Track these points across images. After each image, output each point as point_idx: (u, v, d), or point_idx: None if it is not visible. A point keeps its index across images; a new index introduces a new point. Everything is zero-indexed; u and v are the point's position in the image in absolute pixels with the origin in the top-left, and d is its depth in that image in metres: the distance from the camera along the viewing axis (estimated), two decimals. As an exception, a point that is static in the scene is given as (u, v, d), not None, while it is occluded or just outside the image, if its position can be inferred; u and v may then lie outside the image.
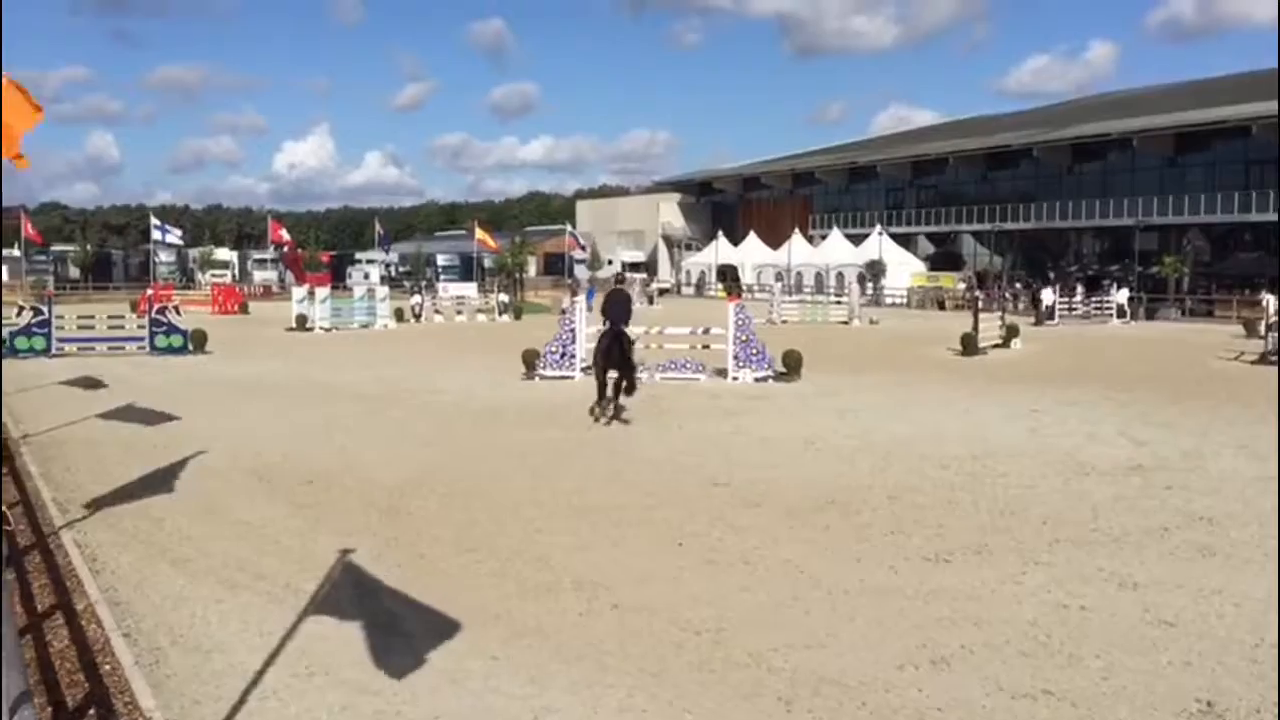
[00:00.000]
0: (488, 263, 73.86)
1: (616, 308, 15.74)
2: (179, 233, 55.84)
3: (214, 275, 70.94)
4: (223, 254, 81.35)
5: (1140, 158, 58.22)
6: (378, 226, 76.08)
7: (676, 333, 22.42)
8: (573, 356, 20.47)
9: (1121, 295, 44.50)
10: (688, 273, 78.94)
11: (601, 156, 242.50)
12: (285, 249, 76.40)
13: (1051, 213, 62.52)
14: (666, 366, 20.48)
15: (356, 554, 7.97)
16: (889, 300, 60.09)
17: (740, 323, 20.41)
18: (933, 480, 10.94)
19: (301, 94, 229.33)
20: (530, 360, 20.70)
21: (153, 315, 26.26)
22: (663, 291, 67.77)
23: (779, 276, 64.57)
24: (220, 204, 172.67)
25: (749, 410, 16.28)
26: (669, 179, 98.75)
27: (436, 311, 42.77)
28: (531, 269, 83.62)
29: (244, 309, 46.76)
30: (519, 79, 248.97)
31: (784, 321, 41.29)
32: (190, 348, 25.79)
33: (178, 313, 26.71)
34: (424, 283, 59.20)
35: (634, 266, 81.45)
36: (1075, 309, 43.95)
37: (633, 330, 16.52)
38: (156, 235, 60.99)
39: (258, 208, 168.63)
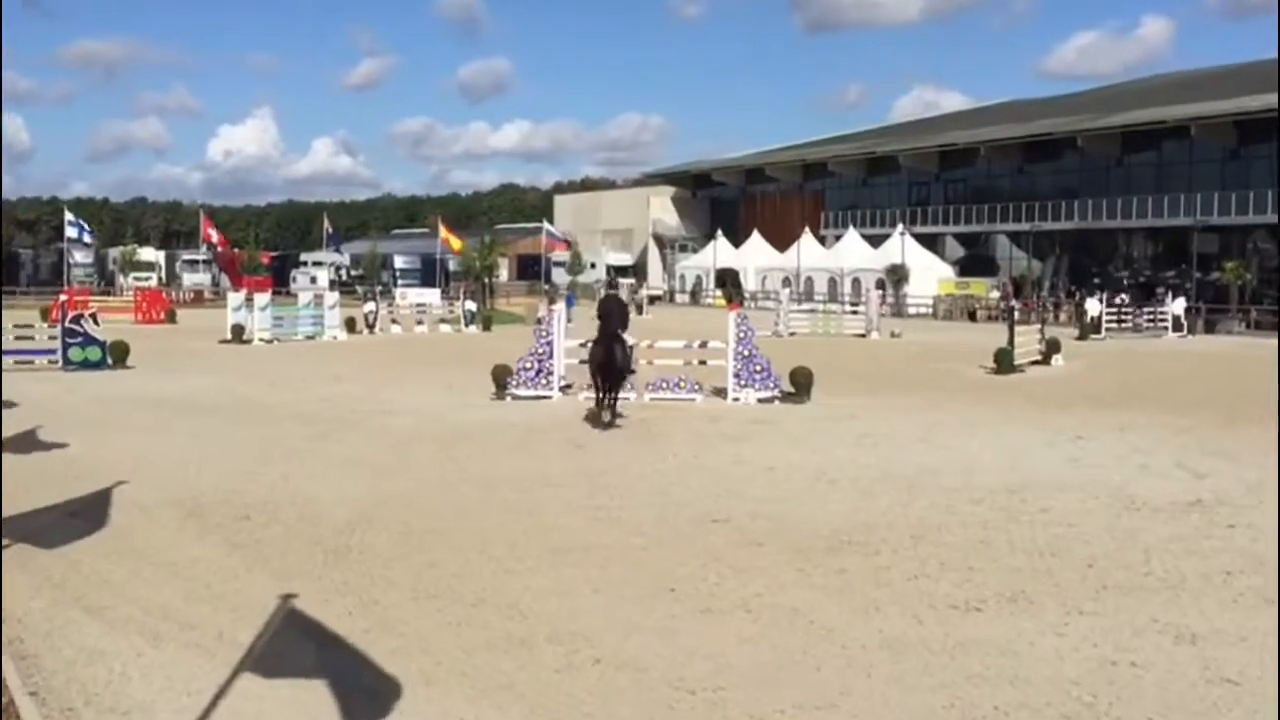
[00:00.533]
0: (453, 265, 73.87)
1: (611, 318, 17.34)
2: (91, 233, 55.93)
3: (137, 279, 70.84)
4: (148, 254, 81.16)
5: (1199, 148, 58.63)
6: (326, 223, 76.02)
7: (669, 346, 22.45)
8: (550, 374, 20.49)
9: (1178, 305, 44.76)
10: (682, 277, 79.21)
11: (584, 144, 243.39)
12: (219, 249, 76.33)
13: (1098, 211, 62.91)
14: (658, 385, 20.51)
15: (300, 600, 7.95)
16: (913, 310, 60.34)
17: (742, 335, 20.46)
18: (962, 517, 10.97)
19: (242, 72, 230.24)
20: (501, 377, 20.71)
21: (67, 324, 26.18)
22: (653, 299, 67.91)
23: (786, 282, 64.80)
24: (145, 197, 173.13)
25: (752, 436, 16.31)
26: (661, 170, 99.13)
27: (394, 321, 42.74)
28: (503, 273, 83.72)
29: (171, 317, 46.70)
30: (491, 54, 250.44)
31: (792, 334, 41.40)
32: (110, 362, 25.72)
33: (95, 322, 26.61)
34: (379, 288, 59.26)
35: (621, 270, 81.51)
36: (1125, 321, 44.19)
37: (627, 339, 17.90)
38: (71, 233, 61.00)
39: (188, 201, 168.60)
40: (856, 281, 64.08)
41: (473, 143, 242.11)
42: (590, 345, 17.68)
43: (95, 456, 13.87)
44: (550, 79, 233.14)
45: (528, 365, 20.60)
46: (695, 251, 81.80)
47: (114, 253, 79.91)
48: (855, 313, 47.91)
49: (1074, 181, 65.57)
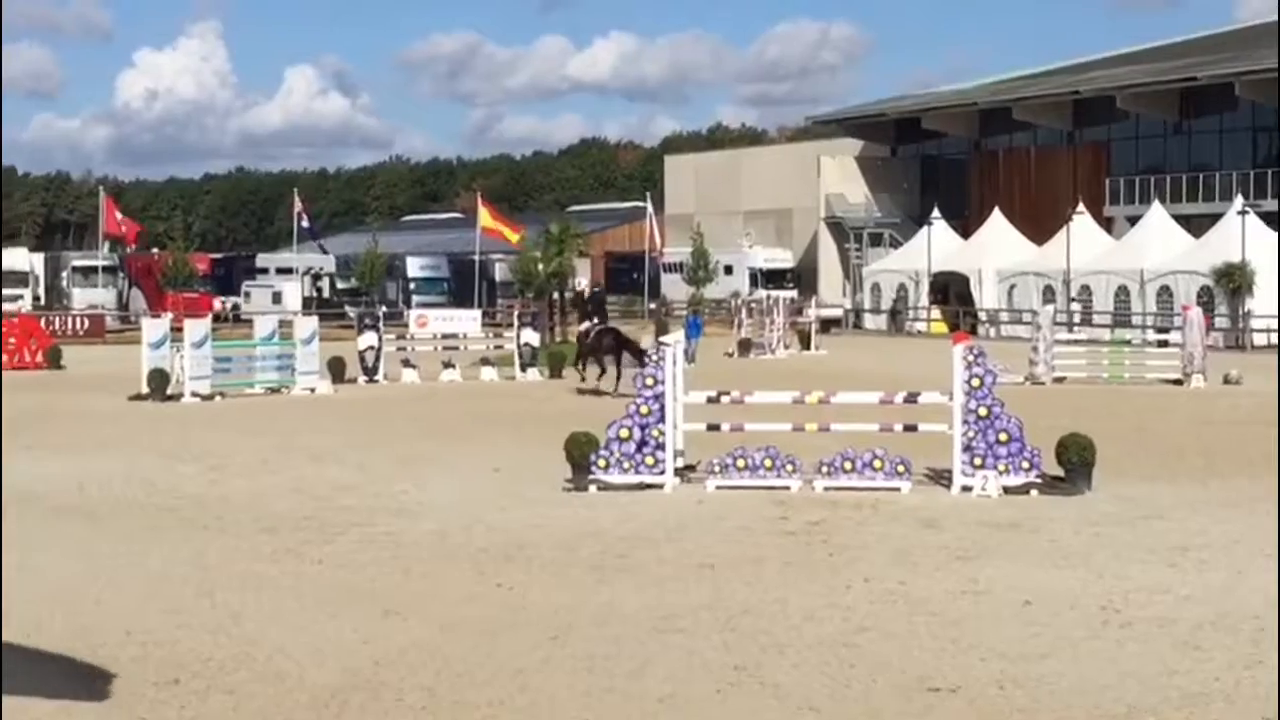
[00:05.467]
0: (500, 273, 74.49)
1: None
2: None
3: None
4: (17, 257, 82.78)
5: None
6: (299, 206, 77.29)
7: (855, 401, 22.33)
8: (659, 449, 20.49)
9: None
10: (875, 287, 78.98)
11: (723, 72, 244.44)
12: (130, 248, 77.97)
13: None
14: (834, 467, 20.41)
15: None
16: (1261, 339, 59.37)
17: (976, 382, 20.31)
18: (1351, 685, 10.76)
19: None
20: (580, 454, 20.76)
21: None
22: (829, 323, 67.74)
23: (1049, 294, 64.18)
24: (13, 167, 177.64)
25: (993, 549, 16.18)
26: (840, 114, 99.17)
27: (407, 363, 43.09)
28: (583, 282, 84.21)
29: (54, 359, 47.58)
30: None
31: (1060, 379, 41.00)
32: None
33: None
34: (384, 309, 59.92)
35: (773, 277, 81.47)
36: None
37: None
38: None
39: (82, 174, 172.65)
40: (1165, 292, 63.28)
41: (541, 71, 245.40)
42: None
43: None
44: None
45: (623, 434, 20.63)
46: (896, 245, 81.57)
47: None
48: (1164, 344, 47.26)
49: None
